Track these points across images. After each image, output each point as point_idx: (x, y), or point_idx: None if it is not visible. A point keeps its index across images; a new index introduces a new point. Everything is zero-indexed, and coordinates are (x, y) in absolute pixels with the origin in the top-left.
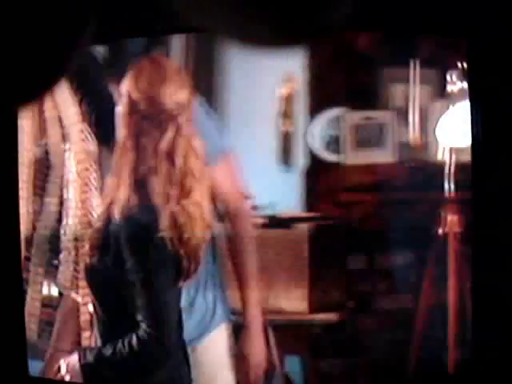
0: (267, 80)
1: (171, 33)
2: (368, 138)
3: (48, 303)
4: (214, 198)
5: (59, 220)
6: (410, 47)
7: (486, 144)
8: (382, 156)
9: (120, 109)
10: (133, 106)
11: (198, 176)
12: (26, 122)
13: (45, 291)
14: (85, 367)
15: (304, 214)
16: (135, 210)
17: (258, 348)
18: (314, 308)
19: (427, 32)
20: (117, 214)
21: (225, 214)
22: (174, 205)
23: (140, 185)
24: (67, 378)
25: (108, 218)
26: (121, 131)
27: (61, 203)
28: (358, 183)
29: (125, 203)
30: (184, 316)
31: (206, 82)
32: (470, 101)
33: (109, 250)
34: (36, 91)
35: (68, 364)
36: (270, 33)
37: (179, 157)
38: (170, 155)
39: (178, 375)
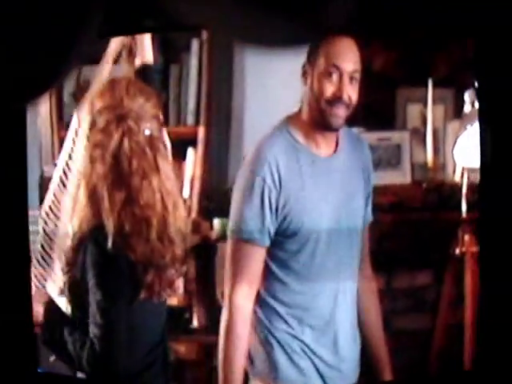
0: (283, 102)
1: (173, 31)
2: (384, 158)
3: None
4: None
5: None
6: (427, 67)
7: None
8: (399, 176)
9: (80, 130)
10: (92, 122)
11: (148, 175)
12: None
13: None
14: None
15: None
16: (90, 228)
17: None
18: None
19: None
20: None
21: None
22: (121, 210)
23: (94, 199)
24: None
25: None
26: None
27: None
28: (375, 204)
29: (82, 220)
30: None
31: (222, 106)
32: (479, 103)
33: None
34: (42, 87)
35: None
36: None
37: (125, 158)
38: (117, 158)
39: None
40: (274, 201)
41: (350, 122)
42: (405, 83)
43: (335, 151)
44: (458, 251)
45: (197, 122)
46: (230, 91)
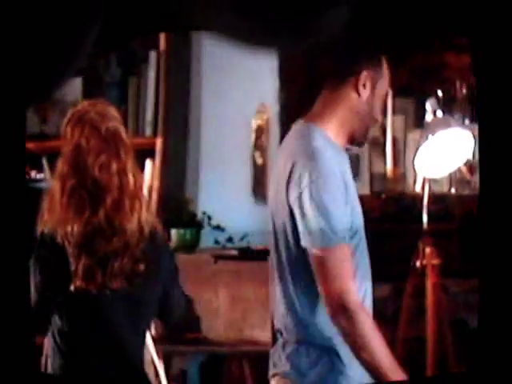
0: (241, 112)
1: (172, 32)
2: None
3: None
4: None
5: None
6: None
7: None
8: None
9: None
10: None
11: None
12: None
13: None
14: None
15: None
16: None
17: None
18: None
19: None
20: None
21: None
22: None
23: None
24: None
25: None
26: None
27: None
28: None
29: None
30: None
31: (180, 117)
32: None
33: None
34: (44, 90)
35: None
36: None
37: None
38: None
39: None
40: (345, 195)
41: None
42: None
43: None
44: (418, 264)
45: (155, 133)
46: (188, 102)
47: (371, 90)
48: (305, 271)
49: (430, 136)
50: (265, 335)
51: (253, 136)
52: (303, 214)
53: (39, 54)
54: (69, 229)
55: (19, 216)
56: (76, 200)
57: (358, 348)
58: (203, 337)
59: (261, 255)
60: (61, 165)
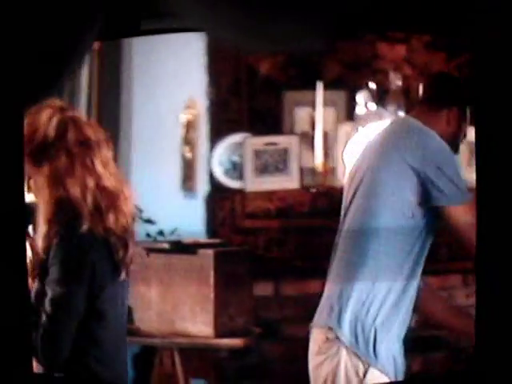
0: (170, 107)
1: (170, 32)
2: (271, 163)
3: None
4: None
5: None
6: (316, 69)
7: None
8: (286, 182)
9: None
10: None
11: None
12: None
13: None
14: None
15: (207, 240)
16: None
17: None
18: (219, 333)
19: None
20: None
21: None
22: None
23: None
24: None
25: None
26: None
27: None
28: (261, 209)
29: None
30: None
31: (111, 113)
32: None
33: None
34: (43, 90)
35: None
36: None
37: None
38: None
39: None
40: None
41: (235, 126)
42: (292, 86)
43: None
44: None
45: None
46: (119, 100)
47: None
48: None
49: (360, 128)
50: (195, 327)
51: (182, 131)
52: None
53: (38, 55)
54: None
55: (18, 218)
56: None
57: None
58: (136, 328)
59: (191, 248)
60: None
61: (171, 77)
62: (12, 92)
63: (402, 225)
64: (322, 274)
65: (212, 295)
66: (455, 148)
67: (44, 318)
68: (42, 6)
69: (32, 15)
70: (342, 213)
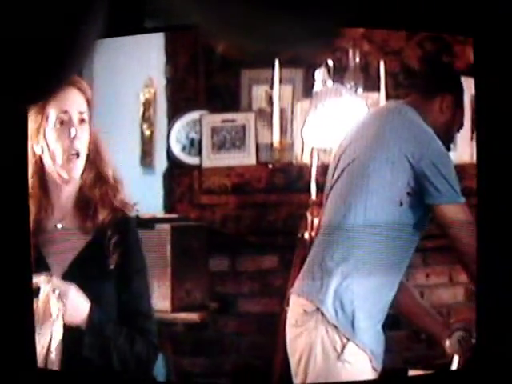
0: (130, 85)
1: (167, 31)
2: (228, 140)
3: None
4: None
5: None
6: (273, 46)
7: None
8: (243, 158)
9: None
10: None
11: None
12: None
13: None
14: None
15: (165, 215)
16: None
17: None
18: (176, 307)
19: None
20: None
21: None
22: None
23: None
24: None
25: None
26: None
27: None
28: (218, 185)
29: None
30: None
31: None
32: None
33: None
34: (45, 89)
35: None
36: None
37: None
38: None
39: None
40: None
41: (192, 104)
42: (250, 64)
43: None
44: (306, 235)
45: None
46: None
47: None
48: None
49: (319, 105)
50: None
51: (141, 109)
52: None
53: (40, 54)
54: None
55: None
56: None
57: None
58: None
59: (149, 223)
60: None
61: (130, 56)
62: (13, 91)
63: (390, 211)
64: (277, 249)
65: (169, 270)
66: (450, 138)
67: None
68: (43, 5)
69: (34, 13)
70: (328, 185)
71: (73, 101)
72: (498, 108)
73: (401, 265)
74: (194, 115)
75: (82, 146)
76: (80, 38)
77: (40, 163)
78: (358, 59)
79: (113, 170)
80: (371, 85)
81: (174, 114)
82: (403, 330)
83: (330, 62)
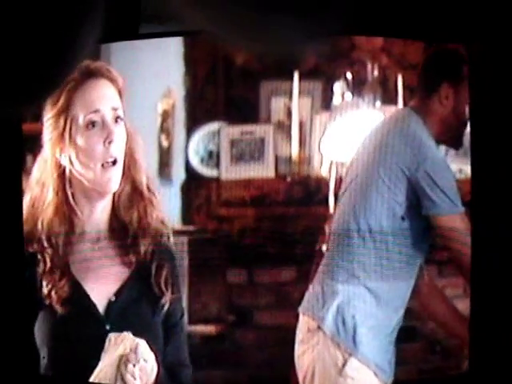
0: (147, 95)
1: (168, 36)
2: (247, 152)
3: None
4: None
5: None
6: (292, 58)
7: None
8: (261, 170)
9: None
10: None
11: None
12: None
13: None
14: None
15: (182, 227)
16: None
17: None
18: (193, 319)
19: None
20: None
21: None
22: None
23: None
24: None
25: None
26: None
27: None
28: (236, 198)
29: None
30: None
31: None
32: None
33: None
34: (40, 92)
35: None
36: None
37: None
38: None
39: None
40: None
41: (211, 116)
42: (269, 76)
43: None
44: (324, 248)
45: None
46: None
47: (455, 101)
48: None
49: (337, 118)
50: None
51: (159, 119)
52: None
53: (37, 54)
54: None
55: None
56: None
57: None
58: None
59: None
60: None
61: (148, 67)
62: (10, 94)
63: (393, 225)
64: (295, 261)
65: (186, 281)
66: (457, 135)
67: None
68: (42, 7)
69: (32, 16)
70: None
71: (104, 95)
72: (493, 119)
73: (407, 278)
74: (212, 127)
75: (119, 150)
76: (77, 40)
77: (63, 176)
78: (375, 72)
79: (147, 178)
80: (389, 98)
81: (192, 126)
82: (418, 341)
83: (349, 75)
